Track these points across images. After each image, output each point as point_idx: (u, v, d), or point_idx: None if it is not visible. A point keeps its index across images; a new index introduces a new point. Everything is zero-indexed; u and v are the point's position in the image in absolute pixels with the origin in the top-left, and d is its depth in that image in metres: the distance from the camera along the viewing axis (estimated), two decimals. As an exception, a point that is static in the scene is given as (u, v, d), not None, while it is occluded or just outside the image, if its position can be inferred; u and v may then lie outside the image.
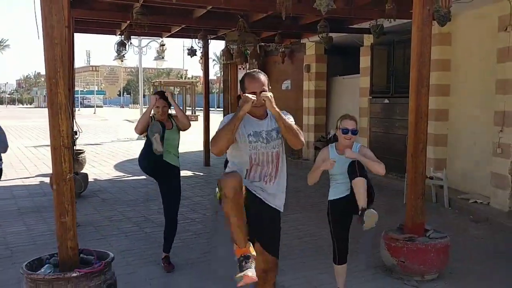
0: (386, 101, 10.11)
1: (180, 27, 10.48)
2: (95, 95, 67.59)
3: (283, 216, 3.46)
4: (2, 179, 5.48)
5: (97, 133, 23.22)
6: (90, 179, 9.21)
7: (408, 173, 4.93)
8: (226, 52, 11.52)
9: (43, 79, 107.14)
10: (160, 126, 4.81)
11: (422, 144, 4.81)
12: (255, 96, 3.10)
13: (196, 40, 11.60)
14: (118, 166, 12.43)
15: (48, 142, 3.67)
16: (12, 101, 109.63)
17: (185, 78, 71.91)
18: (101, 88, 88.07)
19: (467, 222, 6.93)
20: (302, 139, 3.23)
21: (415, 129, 4.80)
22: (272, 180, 3.27)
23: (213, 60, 65.90)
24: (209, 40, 12.12)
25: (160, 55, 17.15)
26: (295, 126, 3.22)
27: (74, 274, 3.44)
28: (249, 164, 3.20)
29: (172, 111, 5.14)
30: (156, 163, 4.86)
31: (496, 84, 7.21)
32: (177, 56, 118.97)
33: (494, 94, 7.25)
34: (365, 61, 10.74)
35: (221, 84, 26.90)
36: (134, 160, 12.73)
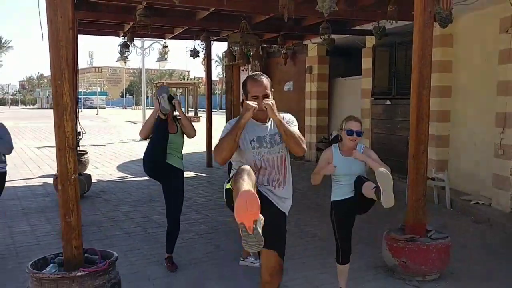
0: (388, 102, 10.14)
1: (183, 29, 10.53)
2: (97, 96, 67.68)
3: (284, 216, 3.49)
4: (6, 179, 5.48)
5: (99, 134, 23.29)
6: (93, 180, 9.26)
7: (410, 174, 4.96)
8: (229, 54, 11.56)
9: (46, 80, 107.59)
10: (168, 89, 4.88)
11: (423, 145, 4.83)
12: (256, 103, 3.08)
13: (199, 41, 11.68)
14: (121, 167, 12.47)
15: (51, 143, 3.72)
16: (15, 102, 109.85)
17: (187, 79, 72.03)
18: (103, 89, 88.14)
19: (469, 223, 6.96)
20: (304, 146, 3.21)
21: (417, 131, 4.82)
22: (281, 185, 3.25)
23: (216, 61, 66.10)
24: (212, 42, 12.17)
25: (163, 57, 17.20)
26: (297, 133, 3.19)
27: (79, 273, 3.48)
28: (255, 169, 3.14)
29: (175, 113, 5.15)
30: (160, 165, 4.88)
31: (497, 86, 7.23)
32: (180, 57, 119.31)
33: (495, 96, 7.27)
34: (367, 62, 10.77)
35: (224, 86, 26.94)
36: (137, 161, 12.80)
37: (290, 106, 12.40)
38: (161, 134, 4.82)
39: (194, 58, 12.41)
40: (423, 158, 4.85)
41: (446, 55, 8.50)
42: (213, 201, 8.33)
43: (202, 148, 13.14)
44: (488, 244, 5.99)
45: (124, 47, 10.63)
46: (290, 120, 3.30)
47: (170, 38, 12.07)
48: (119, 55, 11.14)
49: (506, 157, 7.04)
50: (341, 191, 4.01)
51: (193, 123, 5.16)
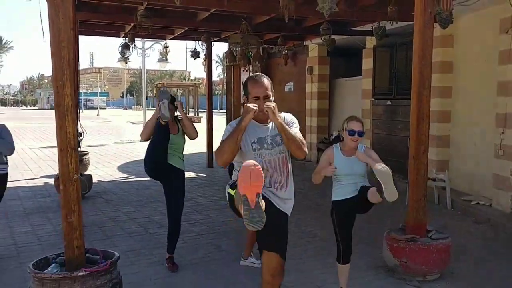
0: (389, 103, 10.15)
1: (184, 30, 10.54)
2: (98, 96, 67.72)
3: (285, 217, 3.50)
4: (7, 181, 5.48)
5: (100, 135, 23.31)
6: (94, 180, 9.27)
7: (410, 174, 4.97)
8: (229, 54, 11.60)
9: (46, 81, 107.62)
10: (169, 93, 4.75)
11: (423, 145, 4.84)
12: (256, 106, 3.08)
13: (200, 42, 11.70)
14: (121, 168, 12.49)
15: (52, 144, 3.74)
16: (15, 103, 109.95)
17: (188, 80, 72.10)
18: (104, 90, 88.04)
19: (469, 223, 6.96)
20: (305, 149, 3.21)
21: (417, 131, 4.83)
22: (284, 188, 3.25)
23: (216, 62, 65.98)
24: (212, 42, 12.18)
25: (163, 57, 17.25)
26: (298, 137, 3.19)
27: (81, 273, 3.49)
28: None
29: (177, 113, 5.16)
30: (161, 166, 4.89)
31: (497, 86, 7.24)
32: (180, 58, 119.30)
33: (495, 96, 7.28)
34: (367, 63, 10.78)
35: (224, 86, 26.95)
36: (137, 162, 12.82)
37: (291, 106, 12.42)
38: (162, 134, 4.83)
39: (194, 59, 12.43)
40: (424, 159, 4.86)
41: (446, 55, 8.51)
42: (213, 202, 8.35)
43: (203, 148, 13.15)
44: (488, 245, 6.00)
45: (125, 47, 10.65)
46: (291, 121, 3.30)
47: (171, 39, 12.08)
48: (120, 56, 11.15)
49: (507, 157, 7.05)
50: (342, 191, 4.01)
51: (194, 124, 5.17)
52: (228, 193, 3.19)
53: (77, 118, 6.22)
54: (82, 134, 9.20)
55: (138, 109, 60.03)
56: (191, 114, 33.31)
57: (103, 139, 21.17)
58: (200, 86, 48.41)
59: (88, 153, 10.05)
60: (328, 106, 12.90)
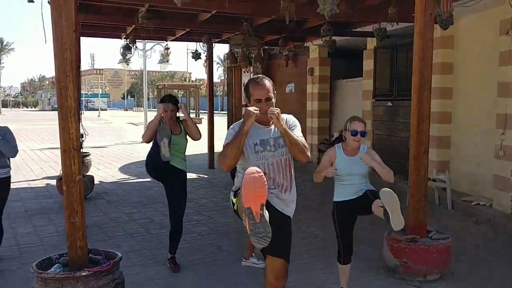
0: (389, 104, 10.17)
1: (185, 31, 10.57)
2: (99, 98, 67.81)
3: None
4: (10, 183, 5.46)
5: (101, 136, 23.34)
6: (96, 181, 9.30)
7: (411, 175, 4.98)
8: (230, 56, 11.60)
9: (47, 82, 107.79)
10: (169, 132, 4.77)
11: (424, 146, 4.87)
12: (257, 109, 3.07)
13: (201, 43, 11.72)
14: (123, 169, 12.51)
15: (53, 145, 3.76)
16: (16, 104, 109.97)
17: (189, 81, 72.15)
18: (105, 91, 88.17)
19: (470, 224, 6.98)
20: (308, 153, 3.20)
21: (417, 132, 4.85)
22: (288, 191, 3.25)
23: (217, 63, 66.03)
24: (213, 44, 12.21)
25: (164, 58, 17.27)
26: (301, 141, 3.18)
27: (84, 273, 3.52)
28: None
29: (180, 114, 5.17)
30: (162, 167, 4.90)
31: (498, 87, 7.26)
32: (181, 59, 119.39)
33: (496, 97, 7.30)
34: (368, 64, 10.80)
35: (225, 87, 26.98)
36: (139, 163, 12.85)
37: (292, 107, 12.45)
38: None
39: (195, 60, 12.44)
40: (424, 159, 4.88)
41: (447, 56, 8.53)
42: (215, 203, 8.37)
43: (204, 149, 13.17)
44: (489, 245, 6.01)
45: (126, 49, 10.68)
46: (293, 124, 3.29)
47: (172, 40, 12.10)
48: (121, 57, 11.18)
49: (507, 158, 7.07)
50: (344, 192, 4.03)
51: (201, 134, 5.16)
52: (232, 201, 3.20)
53: (79, 119, 6.22)
54: (84, 135, 9.22)
55: (139, 111, 60.07)
56: (192, 116, 33.31)
57: (104, 140, 21.20)
58: (201, 87, 48.41)
59: (89, 154, 10.06)
60: (329, 107, 12.92)
